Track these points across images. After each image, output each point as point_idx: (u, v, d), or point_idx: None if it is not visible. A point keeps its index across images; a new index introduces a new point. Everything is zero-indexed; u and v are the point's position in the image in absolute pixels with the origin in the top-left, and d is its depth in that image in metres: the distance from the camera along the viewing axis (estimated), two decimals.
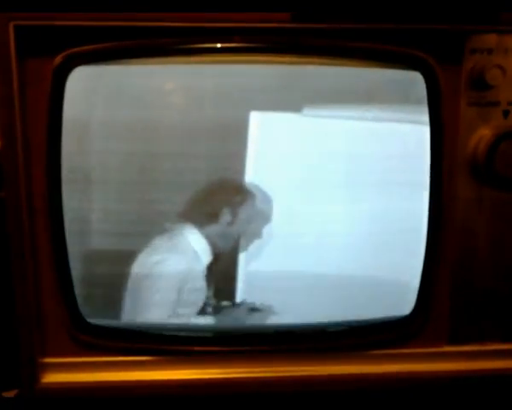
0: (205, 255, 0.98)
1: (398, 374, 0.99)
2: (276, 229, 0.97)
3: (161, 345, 0.97)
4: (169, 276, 0.98)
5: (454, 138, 0.92)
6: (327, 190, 0.96)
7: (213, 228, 0.98)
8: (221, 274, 1.01)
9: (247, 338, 0.99)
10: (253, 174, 0.96)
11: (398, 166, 0.95)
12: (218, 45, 0.87)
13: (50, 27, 0.84)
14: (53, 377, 0.96)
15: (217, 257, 0.99)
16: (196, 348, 0.97)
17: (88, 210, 0.95)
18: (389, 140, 0.95)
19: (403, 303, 0.98)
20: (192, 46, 0.87)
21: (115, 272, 0.97)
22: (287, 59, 0.90)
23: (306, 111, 0.93)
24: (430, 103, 0.91)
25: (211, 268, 0.99)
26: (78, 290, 0.94)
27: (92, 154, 0.93)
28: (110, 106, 0.92)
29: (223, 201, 0.98)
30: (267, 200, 0.97)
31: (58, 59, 0.85)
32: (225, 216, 0.98)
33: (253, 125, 0.93)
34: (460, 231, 0.95)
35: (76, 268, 0.94)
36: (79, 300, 0.94)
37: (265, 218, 0.97)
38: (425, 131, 0.92)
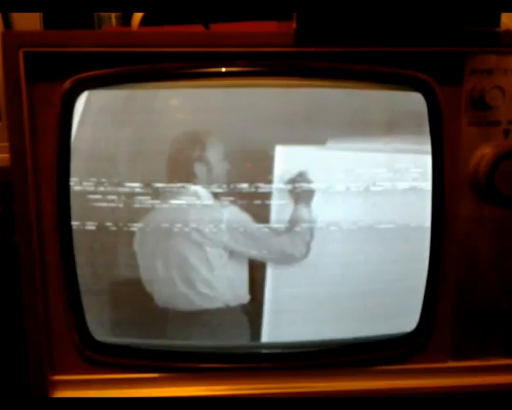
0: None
1: (402, 390, 0.99)
2: None
3: (169, 362, 0.98)
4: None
5: (455, 157, 0.93)
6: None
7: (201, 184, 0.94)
8: None
9: (253, 355, 1.00)
10: None
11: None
12: (223, 69, 0.89)
13: (59, 54, 0.86)
14: (63, 395, 0.97)
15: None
16: (203, 365, 0.98)
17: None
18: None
19: (406, 319, 0.98)
20: (196, 70, 0.89)
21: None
22: (291, 82, 0.92)
23: (330, 144, 0.93)
24: (431, 123, 0.92)
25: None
26: (87, 308, 0.95)
27: (100, 172, 0.94)
28: (117, 128, 0.93)
29: (190, 158, 0.95)
30: None
31: (67, 84, 0.87)
32: (199, 168, 0.95)
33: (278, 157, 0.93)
34: (462, 247, 0.96)
35: (85, 286, 0.95)
36: (88, 317, 0.96)
37: None
38: None
